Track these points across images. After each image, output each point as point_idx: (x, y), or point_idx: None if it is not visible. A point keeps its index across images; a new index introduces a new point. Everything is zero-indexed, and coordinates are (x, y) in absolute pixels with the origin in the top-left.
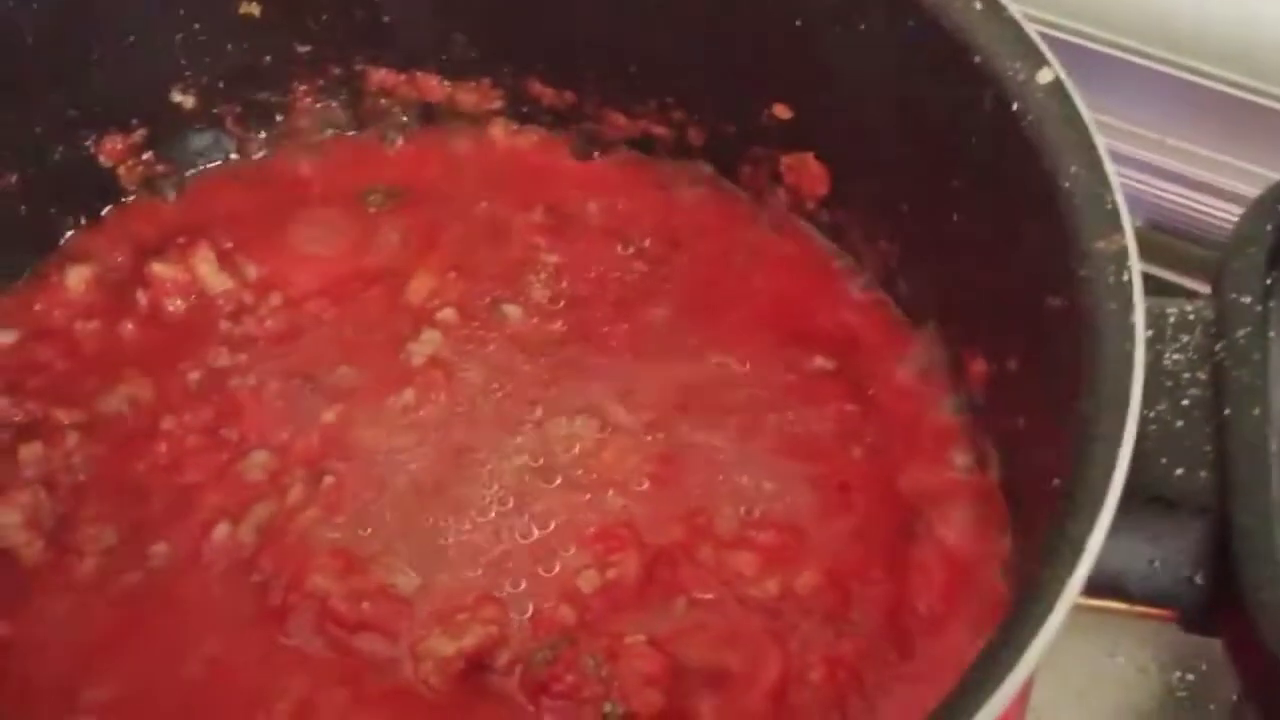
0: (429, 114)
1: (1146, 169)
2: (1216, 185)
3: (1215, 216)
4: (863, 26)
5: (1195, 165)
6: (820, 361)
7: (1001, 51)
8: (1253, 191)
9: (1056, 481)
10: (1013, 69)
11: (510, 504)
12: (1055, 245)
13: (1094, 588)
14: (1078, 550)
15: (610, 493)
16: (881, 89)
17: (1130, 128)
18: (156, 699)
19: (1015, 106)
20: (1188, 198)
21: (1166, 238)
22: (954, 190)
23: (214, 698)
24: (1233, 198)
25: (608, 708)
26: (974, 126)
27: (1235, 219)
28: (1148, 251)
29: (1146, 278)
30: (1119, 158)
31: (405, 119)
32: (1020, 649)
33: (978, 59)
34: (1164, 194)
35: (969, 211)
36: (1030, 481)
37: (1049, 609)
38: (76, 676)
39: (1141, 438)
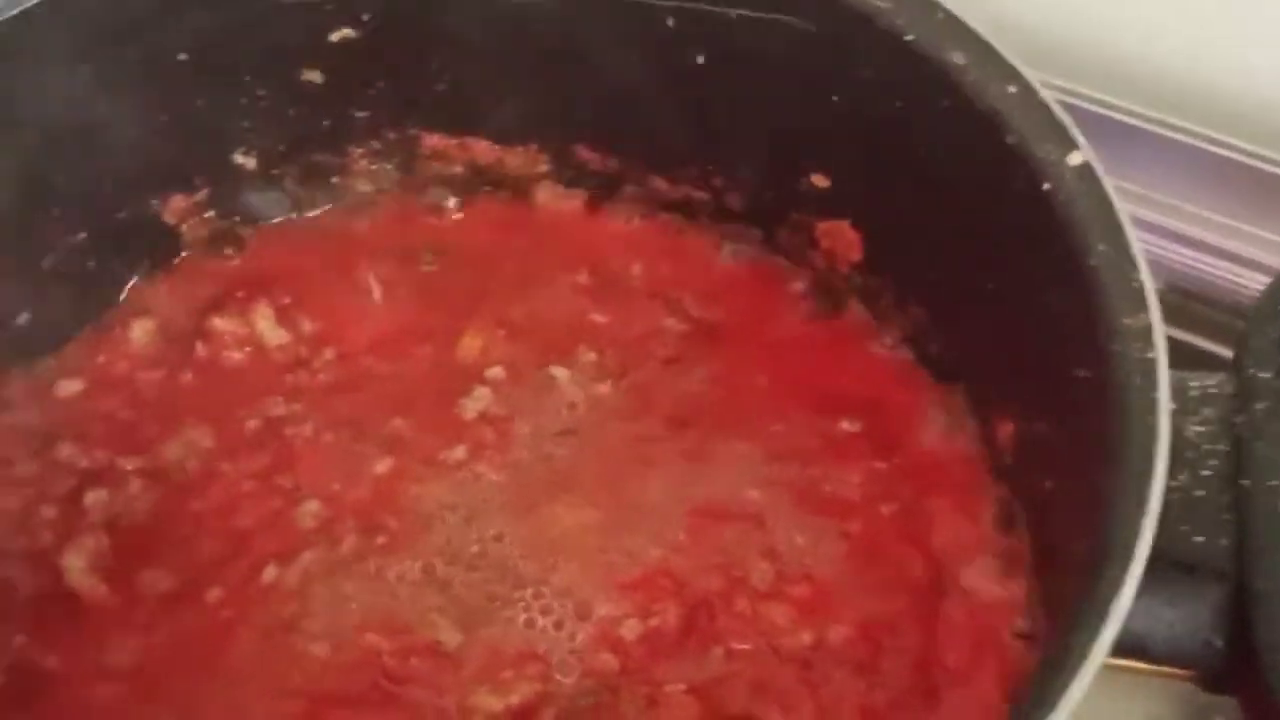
0: (478, 176)
1: (1165, 234)
2: (1235, 252)
3: (1234, 282)
4: (900, 105)
5: (1214, 232)
6: (847, 424)
7: (1034, 134)
8: (1271, 260)
9: (1083, 544)
10: (1044, 150)
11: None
12: (1083, 320)
13: (1117, 648)
14: (1104, 615)
15: (648, 543)
16: (916, 164)
17: (1148, 193)
18: None
19: (1046, 187)
20: (1206, 263)
21: (1185, 301)
22: (985, 261)
23: None
24: (1251, 264)
25: None
26: (1006, 203)
27: (1254, 284)
28: (1166, 313)
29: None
30: (1138, 223)
31: (456, 181)
32: (1051, 708)
33: (1011, 140)
34: (1182, 259)
35: (999, 281)
36: (1058, 542)
37: (1077, 670)
38: (126, 714)
39: (1164, 505)
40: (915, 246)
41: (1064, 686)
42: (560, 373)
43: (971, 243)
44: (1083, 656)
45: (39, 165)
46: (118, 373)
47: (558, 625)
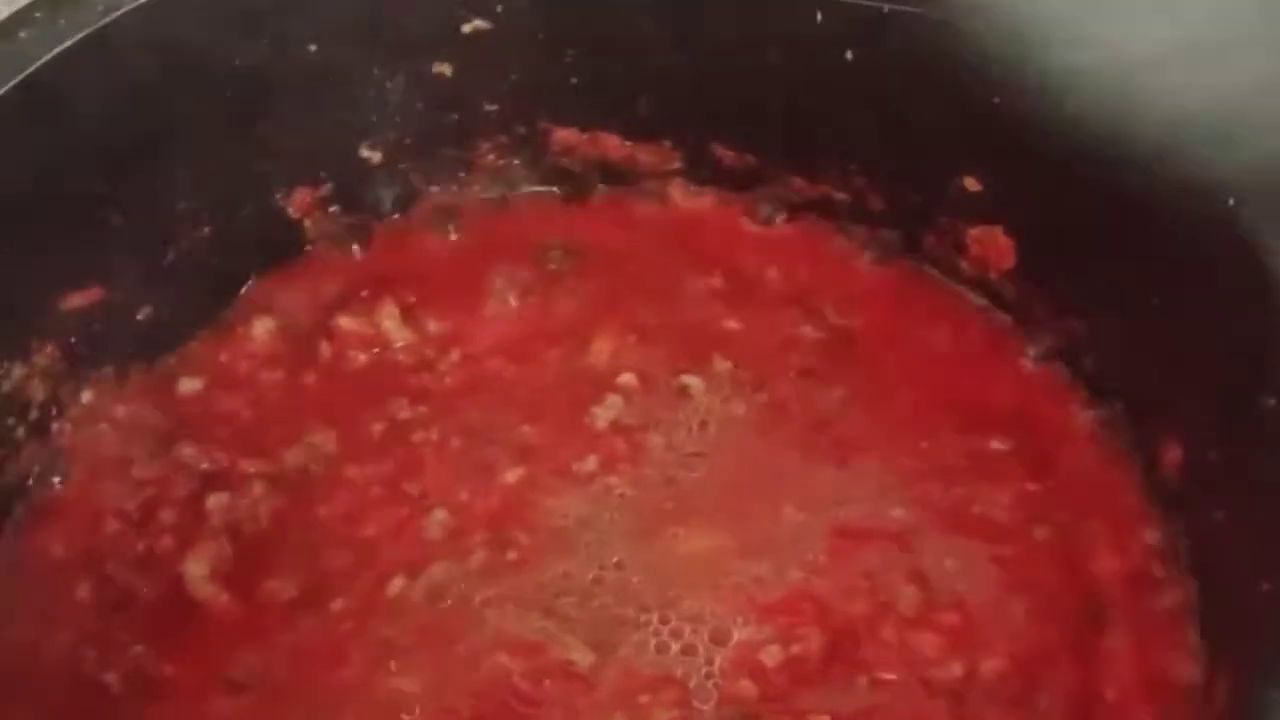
0: (609, 173)
1: None
2: None
3: None
4: (1067, 110)
5: None
6: (996, 443)
7: None
8: None
9: (1267, 586)
10: None
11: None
12: (1268, 345)
13: None
14: None
15: (788, 564)
16: (1081, 170)
17: None
18: None
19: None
20: None
21: None
22: (1155, 272)
23: None
24: None
25: None
26: (1181, 215)
27: None
28: None
29: None
30: None
31: (586, 178)
32: None
33: None
34: None
35: (1172, 297)
36: (1230, 577)
37: None
38: None
39: None
40: (1075, 255)
41: None
42: (693, 382)
43: (1142, 253)
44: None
45: (168, 161)
46: (239, 372)
47: (690, 650)
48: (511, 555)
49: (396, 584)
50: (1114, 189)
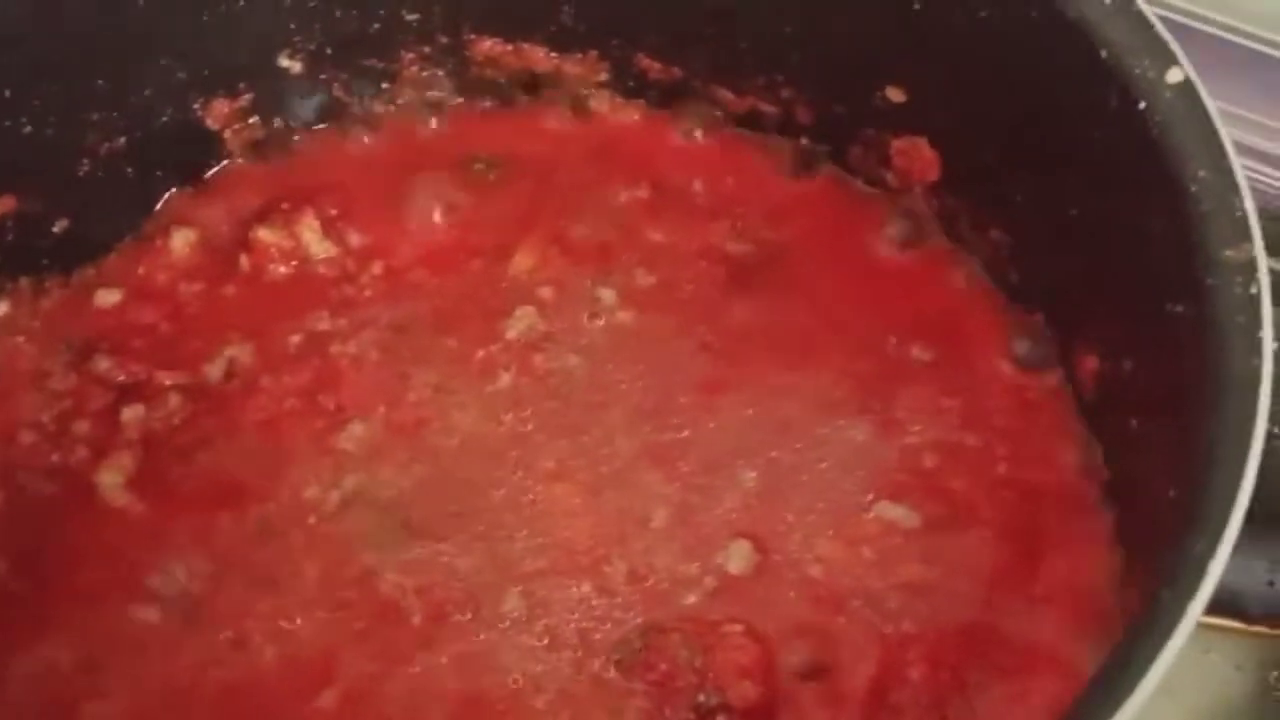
0: (534, 85)
1: (1266, 159)
2: None
3: None
4: (984, 14)
5: None
6: (918, 351)
7: (1130, 48)
8: None
9: (1173, 493)
10: (1140, 66)
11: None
12: (1180, 250)
13: (1211, 606)
14: (1200, 571)
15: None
16: (1002, 79)
17: (1249, 116)
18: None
19: (1142, 105)
20: None
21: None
22: (1073, 185)
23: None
24: None
25: None
26: (1097, 123)
27: None
28: (1267, 244)
29: None
30: (1238, 147)
31: (510, 89)
32: (1141, 672)
33: (1104, 54)
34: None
35: (1088, 207)
36: (1141, 485)
37: (1171, 630)
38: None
39: (1265, 454)
40: (997, 167)
41: (1157, 649)
42: (608, 295)
43: (1060, 164)
44: (1177, 616)
45: (76, 66)
46: (158, 284)
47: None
48: (421, 468)
49: (311, 493)
50: (1032, 100)
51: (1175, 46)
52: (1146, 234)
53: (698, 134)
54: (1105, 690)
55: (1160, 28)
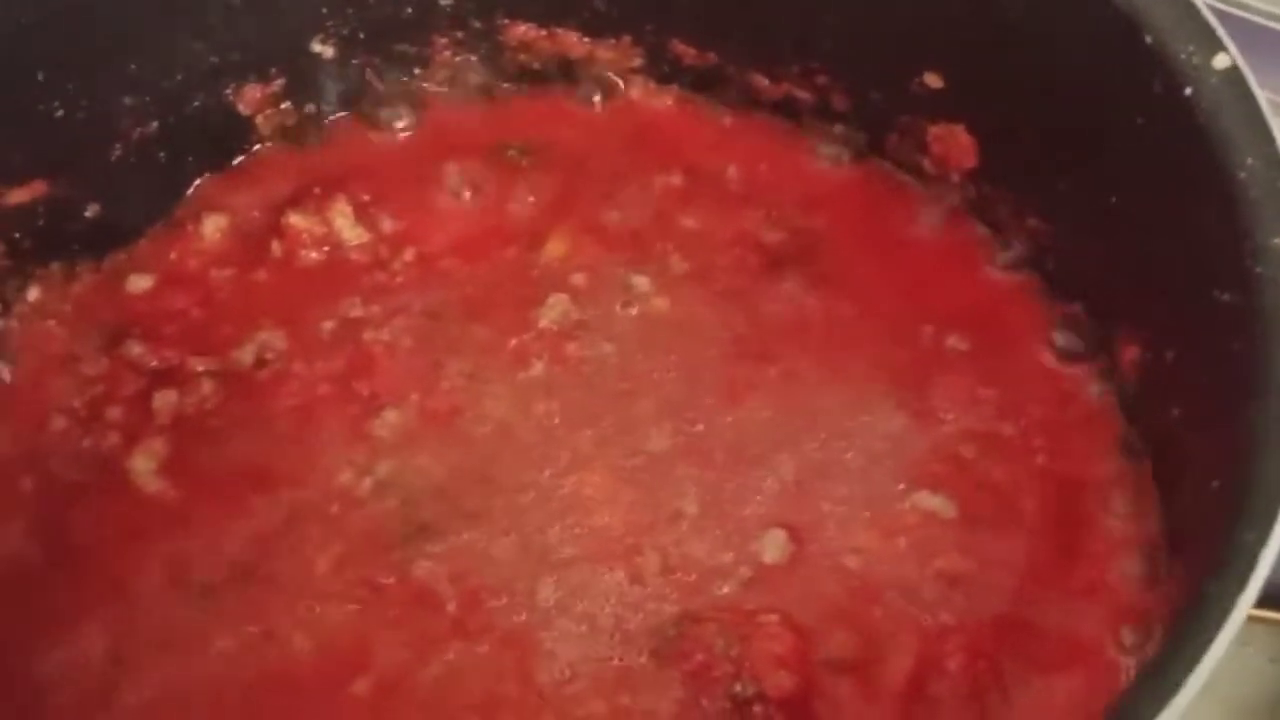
0: (568, 70)
1: None
2: None
3: None
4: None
5: None
6: (954, 341)
7: (1176, 33)
8: None
9: (1217, 483)
10: (1186, 52)
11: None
12: (1227, 238)
13: (1262, 598)
14: (1251, 563)
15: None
16: (1042, 64)
17: None
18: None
19: (1188, 92)
20: None
21: None
22: (1115, 172)
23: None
24: None
25: None
26: (1141, 110)
27: None
28: None
29: None
30: None
31: (544, 75)
32: (1190, 666)
33: (1149, 39)
34: None
35: (1130, 195)
36: (1184, 476)
37: (1220, 623)
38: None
39: None
40: (1037, 155)
41: (1207, 640)
42: (642, 281)
43: (1101, 151)
44: (1228, 607)
45: (110, 50)
46: (189, 270)
47: (636, 550)
48: (454, 456)
49: (344, 479)
50: (1073, 86)
51: (1221, 31)
52: (1192, 222)
53: (731, 120)
54: (1153, 686)
55: (1206, 12)
